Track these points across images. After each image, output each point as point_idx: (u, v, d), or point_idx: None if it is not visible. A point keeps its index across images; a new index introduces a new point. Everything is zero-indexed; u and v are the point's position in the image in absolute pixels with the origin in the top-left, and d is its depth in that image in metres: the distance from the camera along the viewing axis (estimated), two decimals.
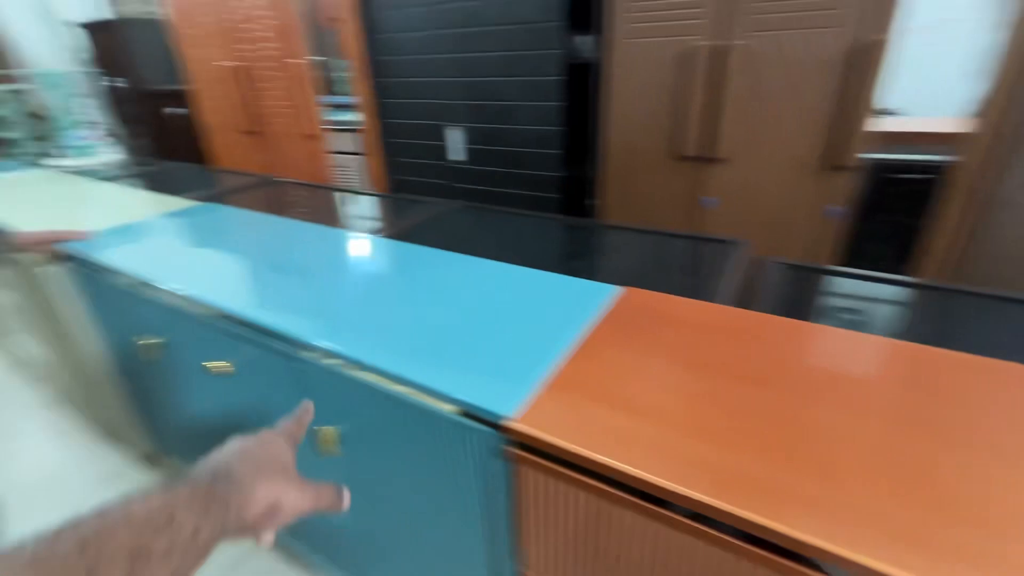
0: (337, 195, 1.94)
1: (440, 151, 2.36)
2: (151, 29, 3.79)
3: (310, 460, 1.00)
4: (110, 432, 1.92)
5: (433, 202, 1.73)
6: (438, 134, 2.33)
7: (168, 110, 3.52)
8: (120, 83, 3.84)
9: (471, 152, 2.27)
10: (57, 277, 1.39)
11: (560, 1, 1.80)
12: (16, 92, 2.81)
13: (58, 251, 1.33)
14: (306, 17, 2.57)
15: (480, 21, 1.97)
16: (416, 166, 2.48)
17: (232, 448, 0.42)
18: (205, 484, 0.35)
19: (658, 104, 1.75)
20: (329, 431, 0.91)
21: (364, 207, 1.85)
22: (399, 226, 1.48)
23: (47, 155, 2.85)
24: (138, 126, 3.93)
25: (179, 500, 0.32)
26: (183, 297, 1.05)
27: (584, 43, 1.91)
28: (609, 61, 1.79)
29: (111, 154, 2.61)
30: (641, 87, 1.75)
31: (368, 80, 2.39)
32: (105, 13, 4.33)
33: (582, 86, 1.92)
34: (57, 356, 1.82)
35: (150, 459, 1.76)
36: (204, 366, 1.07)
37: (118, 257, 1.24)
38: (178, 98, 3.57)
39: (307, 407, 0.57)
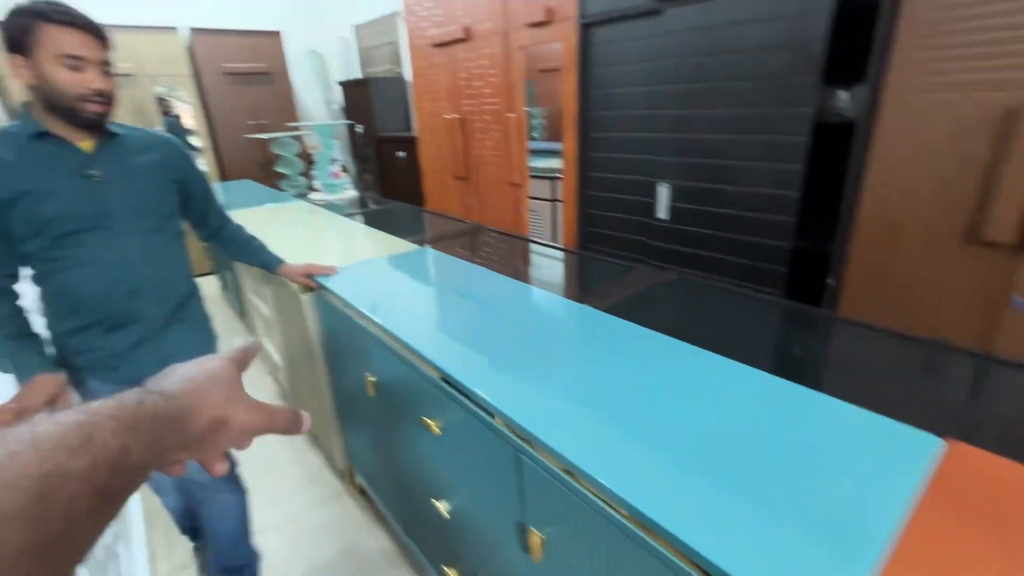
0: (545, 251, 1.94)
1: (641, 207, 2.24)
2: (392, 86, 4.47)
3: (512, 556, 0.92)
4: (315, 437, 2.15)
5: (643, 268, 1.60)
6: (642, 190, 2.22)
7: (398, 154, 4.07)
8: (359, 130, 4.59)
9: (677, 211, 2.10)
10: (306, 301, 1.60)
11: (817, 54, 1.56)
12: (296, 138, 3.46)
13: (313, 283, 1.53)
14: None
15: (712, 77, 1.82)
16: (613, 220, 2.40)
17: (169, 370, 0.38)
18: (133, 402, 0.31)
19: (947, 172, 1.38)
20: (535, 537, 0.82)
21: (573, 267, 1.80)
22: (615, 295, 1.38)
23: (309, 189, 3.45)
24: (371, 166, 4.63)
25: (99, 419, 0.28)
26: (404, 344, 1.08)
27: (842, 99, 1.63)
28: (876, 120, 1.48)
29: (351, 191, 3.03)
30: (923, 150, 1.41)
31: (576, 132, 2.40)
32: (356, 73, 5.27)
33: (830, 147, 1.63)
34: (287, 362, 2.11)
35: (342, 473, 1.91)
36: (422, 419, 1.07)
37: (353, 292, 1.36)
38: (405, 144, 4.11)
39: (256, 345, 0.48)
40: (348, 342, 1.43)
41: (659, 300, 1.39)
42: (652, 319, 1.11)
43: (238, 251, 1.49)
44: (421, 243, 1.84)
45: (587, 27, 2.24)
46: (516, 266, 1.80)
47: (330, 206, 2.95)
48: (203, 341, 1.30)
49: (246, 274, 2.45)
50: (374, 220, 2.38)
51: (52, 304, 1.11)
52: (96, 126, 1.05)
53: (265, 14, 4.85)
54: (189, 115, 4.35)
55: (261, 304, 2.28)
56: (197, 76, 4.29)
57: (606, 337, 1.06)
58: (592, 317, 1.17)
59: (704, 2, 1.79)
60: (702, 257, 2.06)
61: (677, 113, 1.98)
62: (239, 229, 1.48)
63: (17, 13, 0.93)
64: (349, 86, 4.70)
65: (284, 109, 4.76)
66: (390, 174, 4.45)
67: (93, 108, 1.00)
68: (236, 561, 1.38)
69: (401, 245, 1.84)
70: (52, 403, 0.99)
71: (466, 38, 2.84)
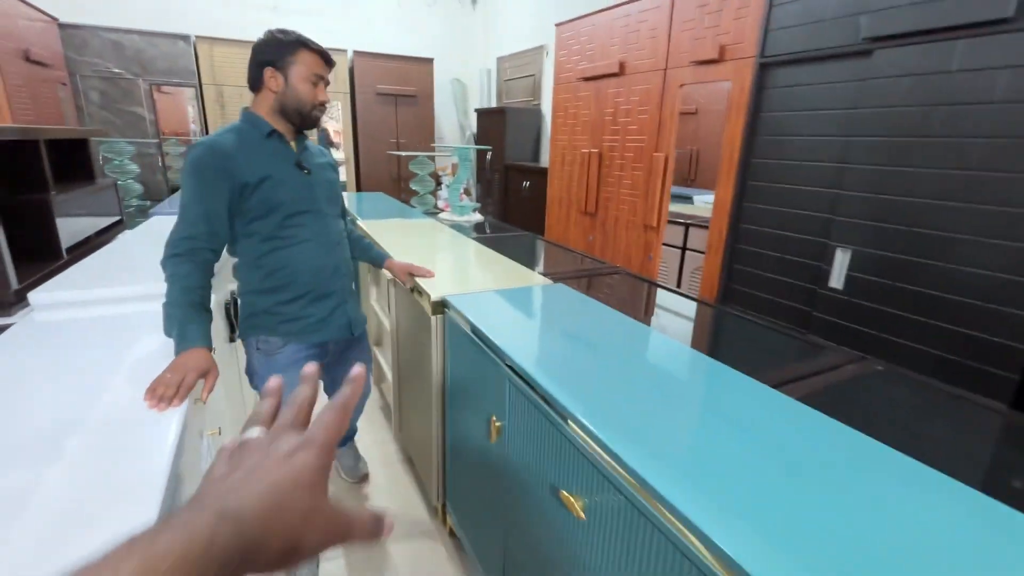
0: (700, 308, 1.72)
1: (807, 271, 1.93)
2: (526, 117, 4.53)
3: None
4: (408, 459, 2.07)
5: (829, 346, 1.32)
6: (811, 251, 1.91)
7: (524, 183, 4.07)
8: (489, 156, 4.69)
9: (856, 282, 1.77)
10: (437, 323, 1.52)
11: None
12: (431, 158, 3.55)
13: (414, 282, 1.56)
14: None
15: (933, 131, 1.51)
16: (767, 280, 2.10)
17: (252, 463, 0.31)
18: (203, 539, 0.26)
19: None
20: None
21: (742, 333, 1.55)
22: (799, 376, 1.13)
23: (436, 208, 3.52)
24: (495, 192, 4.68)
25: (167, 563, 0.24)
26: (549, 398, 0.92)
27: None
28: None
29: (477, 215, 3.01)
30: None
31: (734, 179, 2.16)
32: (493, 103, 5.44)
33: None
34: (397, 378, 2.06)
35: (434, 509, 1.78)
36: (560, 493, 0.90)
37: (489, 324, 1.24)
38: (532, 175, 4.10)
39: (359, 379, 0.37)
40: (477, 377, 1.31)
41: (856, 389, 1.11)
42: (851, 412, 0.85)
43: (355, 245, 1.64)
44: (556, 278, 1.71)
45: (766, 67, 2.02)
46: (671, 321, 1.59)
47: (457, 227, 2.95)
48: (361, 311, 1.55)
49: (371, 284, 2.49)
50: (502, 247, 2.31)
51: (269, 279, 1.30)
52: (312, 128, 1.31)
53: (421, 42, 5.20)
54: (336, 129, 4.73)
55: (383, 315, 2.28)
56: (352, 94, 4.67)
57: (795, 429, 0.83)
58: (784, 406, 0.93)
59: (934, 43, 1.50)
60: (885, 342, 1.70)
61: (874, 169, 1.68)
62: (354, 230, 1.68)
63: (284, 36, 1.22)
64: (485, 114, 4.84)
65: (423, 130, 5.01)
66: (512, 201, 4.46)
67: (318, 115, 1.29)
68: (351, 432, 1.77)
69: (535, 278, 1.72)
70: (204, 377, 1.08)
71: (619, 73, 2.74)
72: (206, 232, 1.20)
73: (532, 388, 1.02)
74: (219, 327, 1.81)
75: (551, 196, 3.54)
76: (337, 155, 4.99)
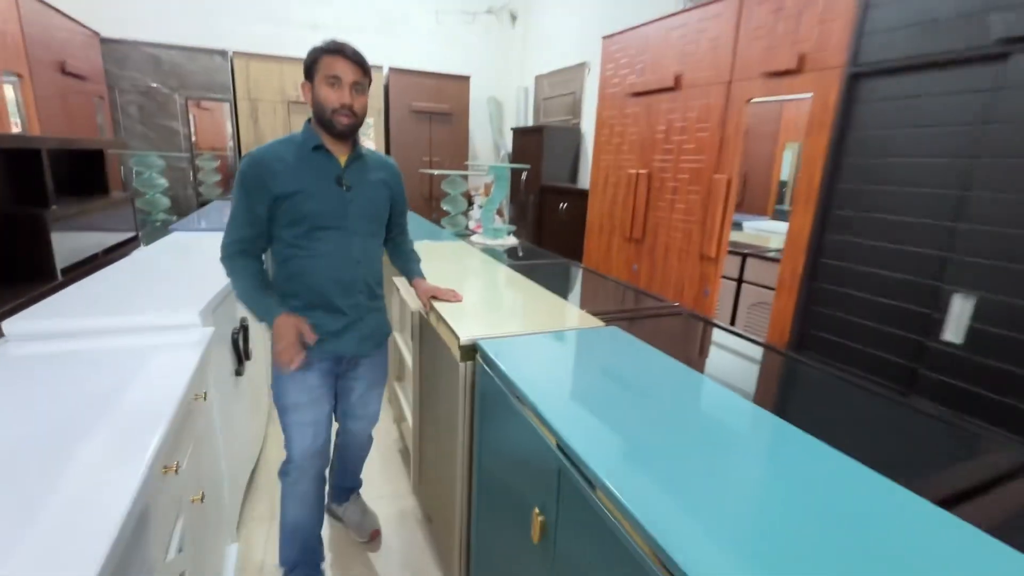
0: (792, 364, 1.41)
1: (912, 319, 1.60)
2: (565, 136, 4.31)
3: None
4: (427, 516, 1.80)
5: (944, 415, 1.00)
6: (917, 295, 1.59)
7: (561, 205, 3.83)
8: (524, 176, 4.48)
9: (981, 336, 1.43)
10: (465, 372, 1.26)
11: None
12: (464, 177, 3.36)
13: (431, 306, 1.46)
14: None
15: None
16: (857, 327, 1.77)
17: None
18: None
19: None
20: None
21: (836, 395, 1.24)
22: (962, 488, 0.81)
23: (467, 230, 3.31)
24: (530, 213, 4.46)
25: None
26: (624, 511, 0.64)
27: None
28: None
29: (511, 238, 2.77)
30: None
31: (814, 207, 1.86)
32: (529, 121, 5.26)
33: None
34: (418, 425, 1.80)
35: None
36: None
37: (533, 383, 0.97)
38: (569, 196, 3.86)
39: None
40: (516, 449, 1.04)
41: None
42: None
43: (399, 257, 1.61)
44: (608, 319, 1.44)
45: (857, 77, 1.73)
46: (753, 377, 1.29)
47: (489, 251, 2.72)
48: (384, 326, 1.49)
49: (395, 315, 2.27)
50: (541, 276, 2.05)
51: (286, 283, 1.32)
52: (344, 136, 1.27)
53: (459, 59, 5.10)
54: (368, 143, 4.61)
55: (405, 349, 2.05)
56: (387, 111, 4.56)
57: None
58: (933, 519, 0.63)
59: None
60: (1019, 413, 1.35)
61: (1009, 198, 1.36)
62: (410, 243, 1.63)
63: (311, 51, 1.23)
64: (522, 133, 4.66)
65: (457, 149, 4.86)
66: (548, 224, 4.22)
67: (341, 120, 1.22)
68: (353, 483, 1.76)
69: (584, 317, 1.45)
70: (302, 339, 1.26)
71: (674, 87, 2.49)
72: (251, 235, 1.27)
73: (594, 487, 0.74)
74: (225, 358, 1.61)
75: (591, 220, 3.28)
76: None
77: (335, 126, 1.23)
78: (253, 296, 1.27)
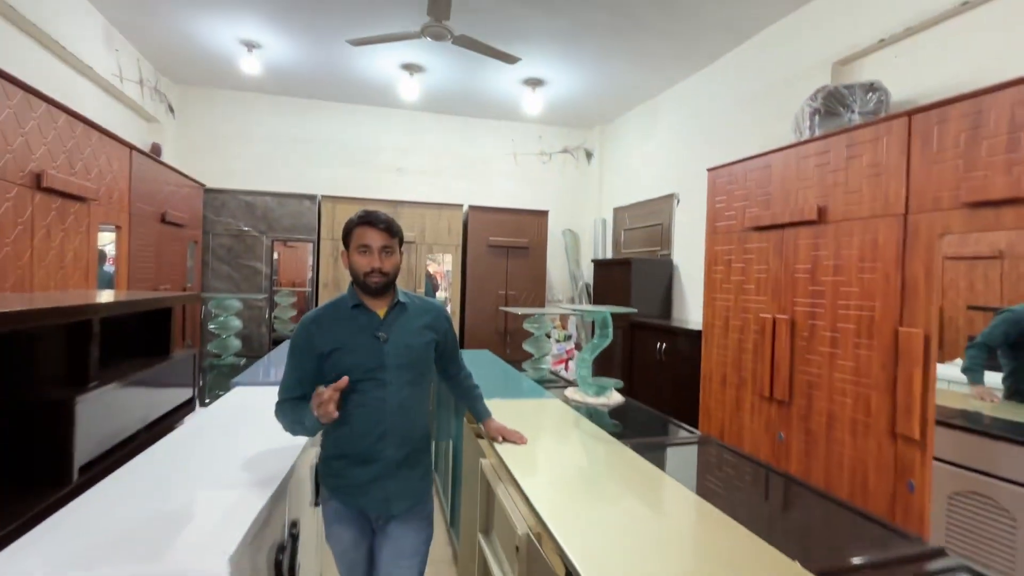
0: None
1: None
2: (656, 268, 3.96)
3: None
4: None
5: None
6: None
7: (661, 345, 3.33)
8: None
9: None
10: None
11: None
12: (544, 316, 2.98)
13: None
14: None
15: None
16: None
17: None
18: None
19: None
20: None
21: None
22: None
23: (554, 376, 2.85)
24: (620, 353, 3.97)
25: None
26: None
27: None
28: None
29: (616, 395, 2.26)
30: None
31: None
32: (606, 254, 5.01)
33: None
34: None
35: None
36: None
37: None
38: (669, 335, 3.37)
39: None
40: None
41: None
42: None
43: (461, 394, 1.66)
44: None
45: None
46: None
47: (592, 412, 2.21)
48: (419, 491, 1.40)
49: (474, 511, 1.74)
50: (684, 466, 1.49)
51: (328, 432, 1.37)
52: (377, 294, 1.35)
53: (536, 195, 5.10)
54: (436, 270, 4.46)
55: (487, 549, 1.49)
56: (464, 246, 4.47)
57: None
58: None
59: None
60: None
61: None
62: (468, 377, 1.64)
63: (346, 223, 1.36)
64: (604, 265, 4.37)
65: (534, 282, 4.61)
66: (640, 365, 3.69)
67: (373, 280, 1.32)
68: None
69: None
70: (336, 389, 1.25)
71: (817, 220, 2.07)
72: (300, 394, 1.35)
73: None
74: (306, 489, 1.52)
75: (709, 369, 2.73)
76: (440, 295, 4.71)
77: (369, 287, 1.34)
78: (293, 416, 1.32)
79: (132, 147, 2.77)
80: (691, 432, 1.94)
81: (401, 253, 1.40)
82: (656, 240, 4.21)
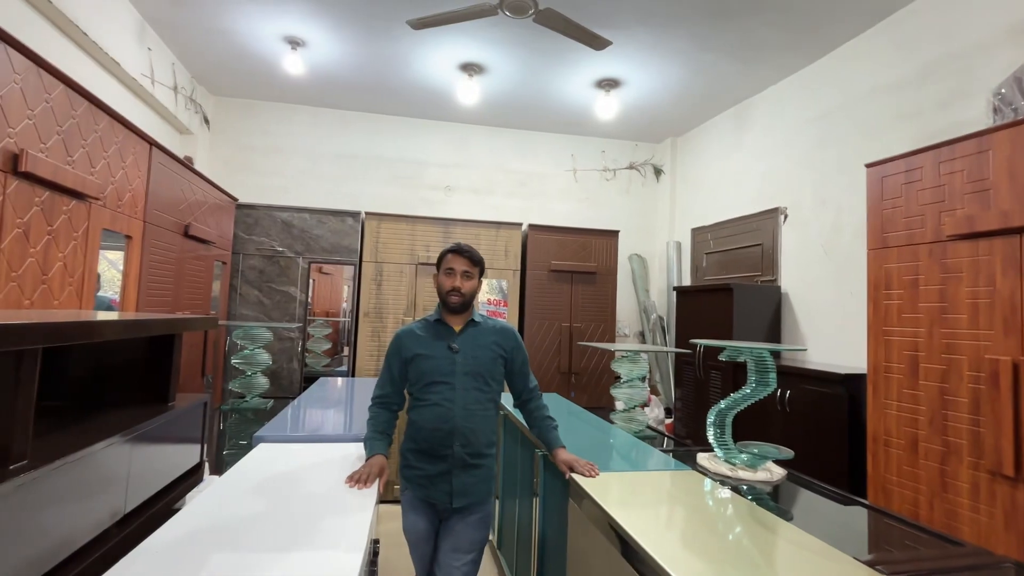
0: None
1: None
2: (759, 295, 3.29)
3: None
4: None
5: None
6: None
7: (783, 392, 2.62)
8: (700, 349, 3.41)
9: None
10: None
11: None
12: (640, 355, 2.36)
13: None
14: None
15: None
16: None
17: None
18: None
19: None
20: None
21: None
22: None
23: (653, 430, 2.19)
24: (713, 399, 3.26)
25: None
26: None
27: None
28: None
29: (774, 468, 1.59)
30: None
31: None
32: (685, 280, 4.36)
33: None
34: None
35: None
36: None
37: None
38: (795, 378, 2.66)
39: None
40: None
41: None
42: None
43: (533, 423, 1.74)
44: None
45: None
46: None
47: (750, 492, 1.55)
48: (481, 490, 1.59)
49: None
50: None
51: (409, 428, 1.62)
52: (457, 311, 1.63)
53: (599, 216, 4.53)
54: (489, 298, 3.86)
55: None
56: (523, 270, 3.90)
57: None
58: None
59: None
60: None
61: None
62: (542, 407, 1.74)
63: (444, 250, 1.67)
64: (689, 294, 3.71)
65: (600, 312, 3.98)
66: (750, 416, 2.97)
67: (452, 299, 1.61)
68: None
69: None
70: (380, 475, 1.51)
71: None
72: (389, 392, 1.66)
73: None
74: None
75: (879, 427, 2.03)
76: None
77: (448, 303, 1.62)
78: (370, 436, 1.61)
79: (153, 142, 2.31)
80: (952, 543, 1.25)
81: (480, 281, 1.68)
82: (754, 264, 3.55)
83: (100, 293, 2.04)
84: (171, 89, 3.37)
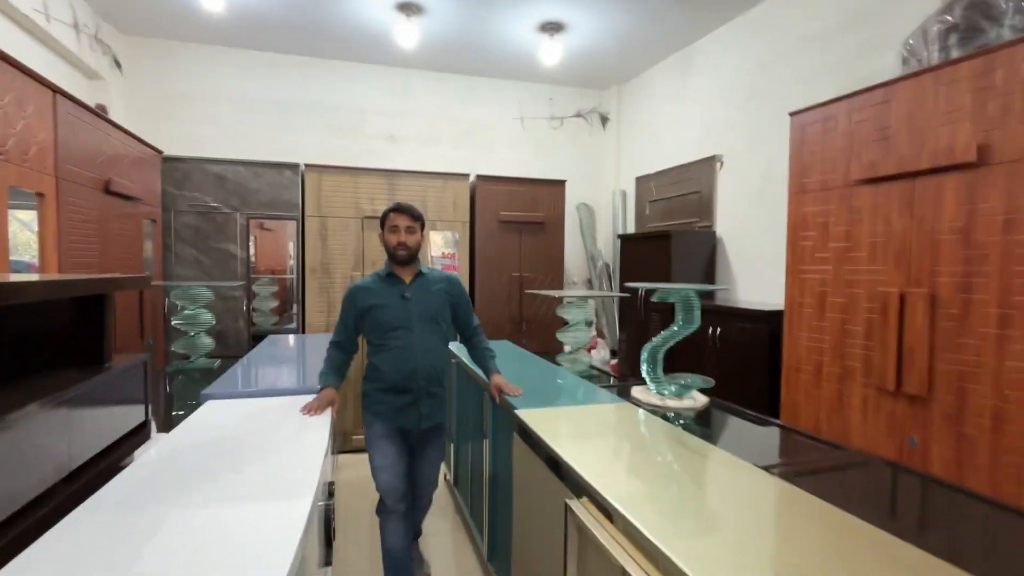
0: None
1: None
2: (696, 240, 3.47)
3: None
4: None
5: None
6: None
7: (714, 330, 2.84)
8: (642, 293, 3.59)
9: None
10: None
11: None
12: (586, 301, 2.47)
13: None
14: None
15: None
16: None
17: None
18: None
19: None
20: None
21: None
22: None
23: (597, 371, 2.35)
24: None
25: None
26: None
27: None
28: None
29: (699, 396, 1.77)
30: None
31: None
32: (629, 228, 4.51)
33: None
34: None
35: None
36: None
37: None
38: (724, 317, 2.89)
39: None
40: None
41: None
42: None
43: (475, 355, 2.01)
44: None
45: None
46: None
47: (676, 419, 1.72)
48: (439, 413, 1.89)
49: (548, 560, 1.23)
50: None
51: (370, 369, 1.85)
52: (405, 263, 1.84)
53: (548, 165, 4.54)
54: (444, 251, 3.89)
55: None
56: (472, 222, 3.90)
57: None
58: None
59: None
60: None
61: None
62: (484, 342, 2.01)
63: (385, 209, 1.85)
64: (632, 240, 3.86)
65: (551, 263, 4.08)
66: (683, 353, 3.21)
67: (400, 253, 1.81)
68: (416, 531, 2.15)
69: None
70: (331, 405, 1.74)
71: (977, 163, 1.59)
72: (346, 338, 1.87)
73: None
74: (313, 543, 1.13)
75: (794, 356, 2.26)
76: None
77: (397, 257, 1.82)
78: (324, 371, 1.84)
79: (56, 89, 2.11)
80: (837, 448, 1.46)
81: (423, 235, 1.87)
82: (692, 211, 3.71)
83: (16, 257, 1.92)
84: (71, 27, 3.03)
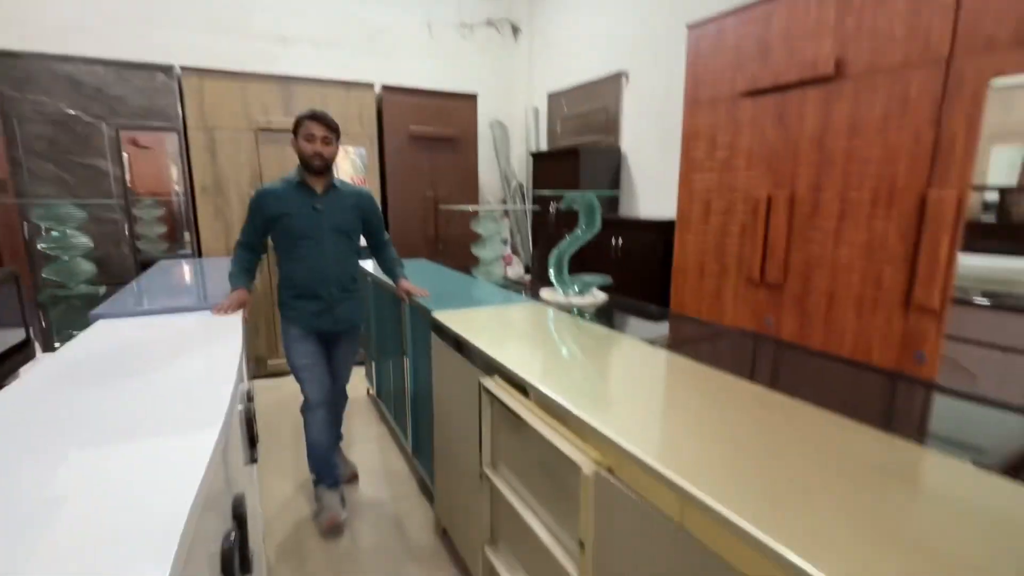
0: None
1: None
2: (602, 157, 3.61)
3: None
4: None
5: None
6: None
7: (617, 241, 3.06)
8: (552, 208, 3.73)
9: None
10: None
11: None
12: (505, 215, 2.55)
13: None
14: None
15: None
16: None
17: None
18: None
19: None
20: None
21: None
22: None
23: (509, 280, 2.48)
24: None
25: None
26: None
27: None
28: None
29: (598, 293, 1.97)
30: None
31: None
32: (540, 146, 4.56)
33: None
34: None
35: None
36: None
37: None
38: (626, 229, 3.11)
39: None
40: None
41: None
42: None
43: (385, 265, 2.09)
44: None
45: None
46: None
47: (580, 315, 1.90)
48: (359, 311, 2.04)
49: (469, 444, 1.38)
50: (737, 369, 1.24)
51: (283, 278, 1.87)
52: (319, 173, 1.81)
53: (459, 77, 4.36)
54: (351, 176, 3.74)
55: (500, 484, 1.17)
56: (380, 136, 3.73)
57: None
58: None
59: None
60: None
61: None
62: (392, 252, 2.10)
63: (297, 117, 1.78)
64: (546, 157, 3.92)
65: (464, 180, 4.06)
66: (591, 265, 3.45)
67: (316, 162, 1.77)
68: (337, 433, 2.16)
69: None
70: (242, 306, 1.75)
71: (835, 76, 1.80)
72: (254, 239, 1.84)
73: None
74: (236, 443, 1.07)
75: (682, 259, 2.53)
76: None
77: (312, 167, 1.78)
78: (234, 272, 1.82)
79: None
80: (710, 325, 1.71)
81: (338, 145, 1.84)
82: (599, 128, 3.82)
83: None
84: None
